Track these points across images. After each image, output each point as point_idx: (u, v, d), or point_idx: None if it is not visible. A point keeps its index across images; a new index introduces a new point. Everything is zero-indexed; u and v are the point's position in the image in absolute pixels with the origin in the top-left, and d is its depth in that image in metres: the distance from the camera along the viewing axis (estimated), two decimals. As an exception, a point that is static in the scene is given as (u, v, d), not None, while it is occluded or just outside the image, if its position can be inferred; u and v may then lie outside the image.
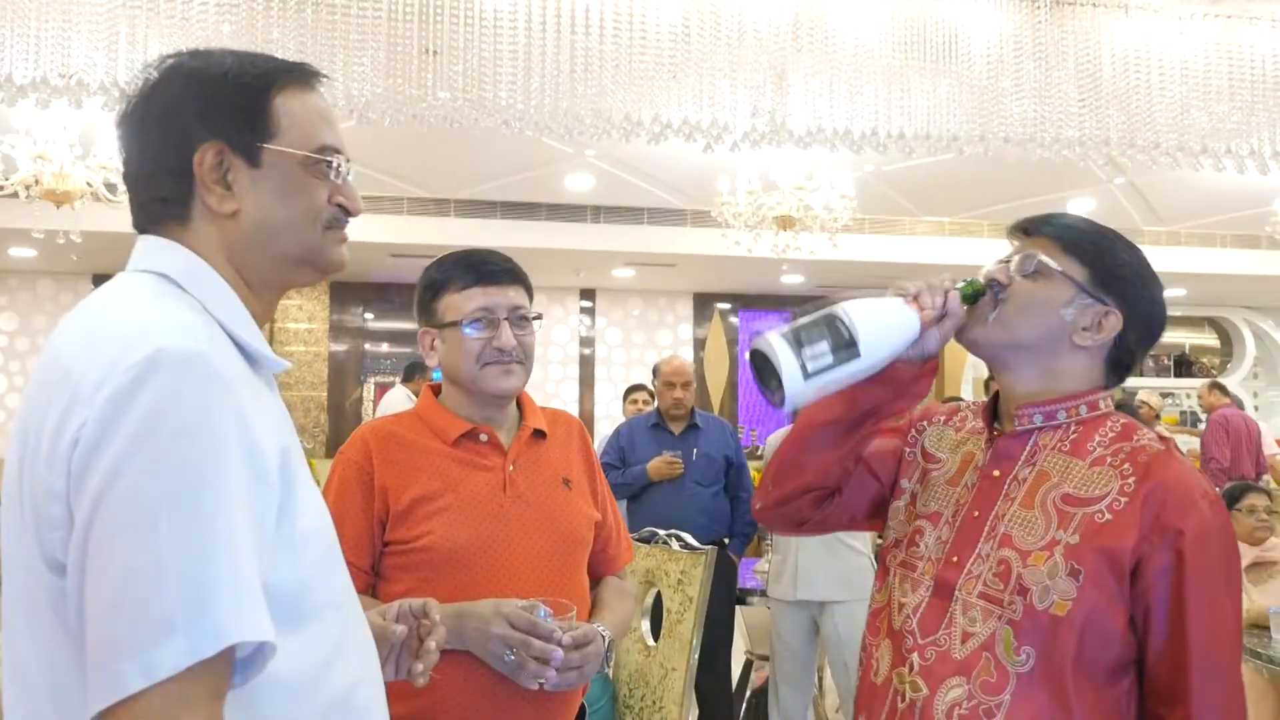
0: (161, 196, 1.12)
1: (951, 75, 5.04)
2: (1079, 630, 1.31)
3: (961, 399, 8.79)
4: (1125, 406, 8.55)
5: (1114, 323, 1.45)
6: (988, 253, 1.65)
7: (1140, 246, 1.52)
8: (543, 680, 1.66)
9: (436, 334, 1.91)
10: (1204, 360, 13.11)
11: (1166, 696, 1.32)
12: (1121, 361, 1.50)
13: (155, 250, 1.11)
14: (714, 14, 4.84)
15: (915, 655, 1.42)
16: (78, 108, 4.56)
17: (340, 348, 11.45)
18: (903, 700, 1.41)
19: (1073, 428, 1.45)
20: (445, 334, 1.88)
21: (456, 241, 8.94)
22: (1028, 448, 1.46)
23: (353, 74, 4.60)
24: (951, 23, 5.04)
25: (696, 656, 3.37)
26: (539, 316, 1.94)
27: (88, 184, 6.08)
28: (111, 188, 6.79)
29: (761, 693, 5.05)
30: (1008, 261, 1.50)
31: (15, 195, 6.07)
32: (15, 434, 1.01)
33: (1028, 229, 1.53)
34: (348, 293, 11.37)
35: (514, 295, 1.89)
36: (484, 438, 1.85)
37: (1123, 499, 1.34)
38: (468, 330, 1.84)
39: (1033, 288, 1.45)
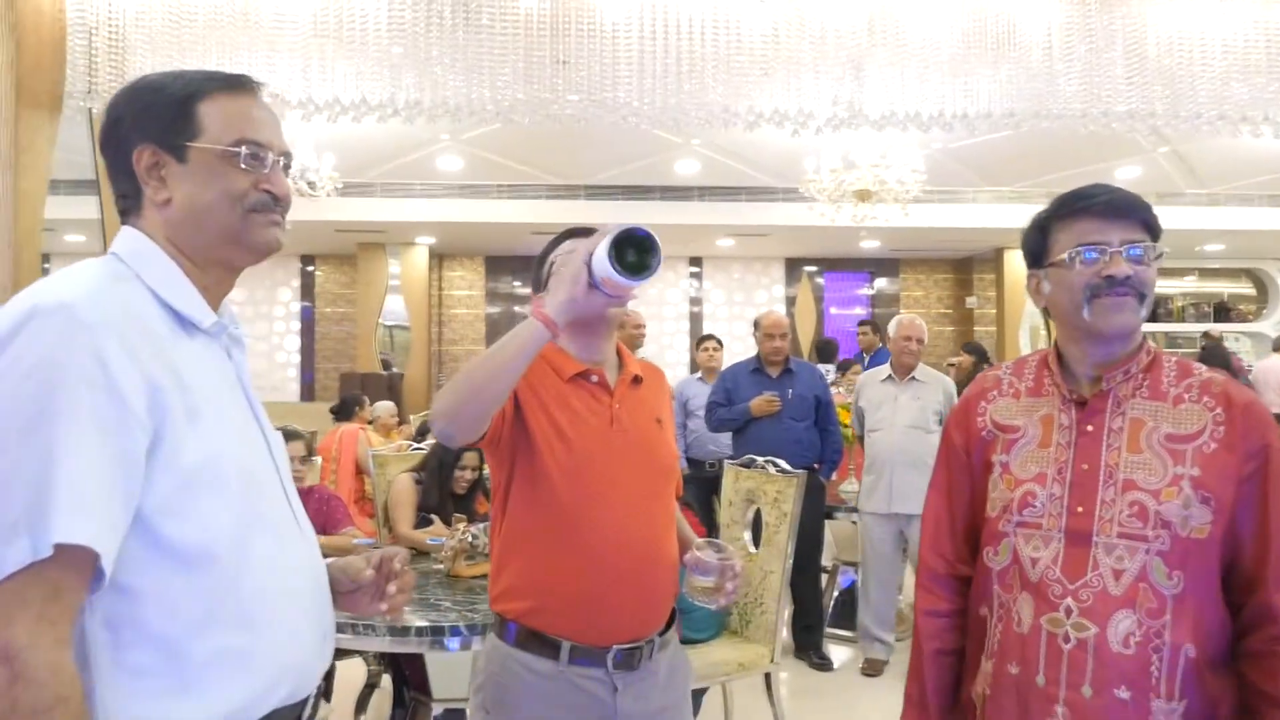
0: (123, 193, 1.16)
1: (1010, 61, 4.81)
2: (1219, 546, 1.30)
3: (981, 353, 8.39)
4: (1216, 351, 8.06)
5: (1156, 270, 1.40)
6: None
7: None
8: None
9: None
10: (1241, 307, 12.38)
11: (1248, 584, 1.30)
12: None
13: (119, 236, 1.15)
14: (799, 17, 4.72)
15: (1069, 600, 1.34)
16: (281, 120, 4.71)
17: (495, 310, 11.80)
18: (1066, 641, 1.33)
19: (1140, 376, 1.40)
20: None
21: (586, 220, 8.95)
22: (1110, 401, 1.39)
23: (497, 83, 4.64)
24: (1010, 14, 4.80)
25: (791, 562, 3.36)
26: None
27: (291, 182, 6.33)
28: (312, 185, 7.03)
29: (849, 592, 5.02)
30: (1123, 249, 1.37)
31: (236, 192, 6.36)
32: None
33: (1130, 214, 1.39)
34: (499, 265, 11.74)
35: None
36: (594, 379, 1.77)
37: (1220, 428, 1.32)
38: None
39: (1152, 274, 1.38)
